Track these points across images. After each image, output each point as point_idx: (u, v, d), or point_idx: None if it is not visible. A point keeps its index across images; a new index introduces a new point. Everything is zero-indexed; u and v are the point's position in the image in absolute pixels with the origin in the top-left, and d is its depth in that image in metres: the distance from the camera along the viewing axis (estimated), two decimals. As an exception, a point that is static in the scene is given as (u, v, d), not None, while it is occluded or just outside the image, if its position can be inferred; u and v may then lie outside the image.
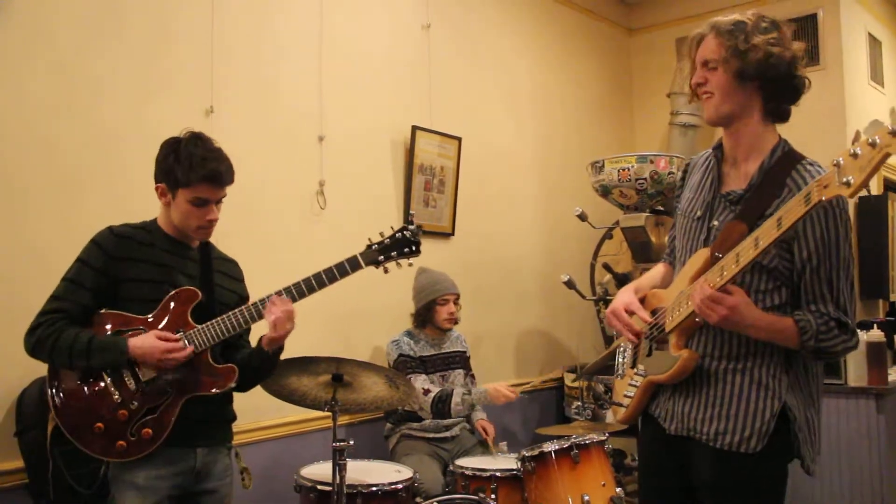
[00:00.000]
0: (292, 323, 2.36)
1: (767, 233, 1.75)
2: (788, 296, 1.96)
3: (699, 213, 2.11)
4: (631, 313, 2.16)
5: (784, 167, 1.96)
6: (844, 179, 1.54)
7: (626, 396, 2.19)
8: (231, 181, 2.38)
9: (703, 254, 1.99)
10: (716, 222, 2.05)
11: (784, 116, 2.03)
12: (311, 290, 2.38)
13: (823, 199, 1.61)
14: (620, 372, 2.28)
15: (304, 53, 3.79)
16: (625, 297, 2.20)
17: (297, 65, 3.76)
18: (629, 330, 2.16)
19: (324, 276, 2.39)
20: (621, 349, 2.31)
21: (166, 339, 2.25)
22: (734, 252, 1.83)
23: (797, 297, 1.95)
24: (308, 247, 3.67)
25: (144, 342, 2.24)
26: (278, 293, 2.36)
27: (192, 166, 2.28)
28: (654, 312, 2.13)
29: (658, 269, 2.36)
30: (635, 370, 2.18)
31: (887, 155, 1.48)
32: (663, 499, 2.15)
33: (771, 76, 1.95)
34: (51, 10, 2.93)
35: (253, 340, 2.54)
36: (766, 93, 1.98)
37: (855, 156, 1.52)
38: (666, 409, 2.09)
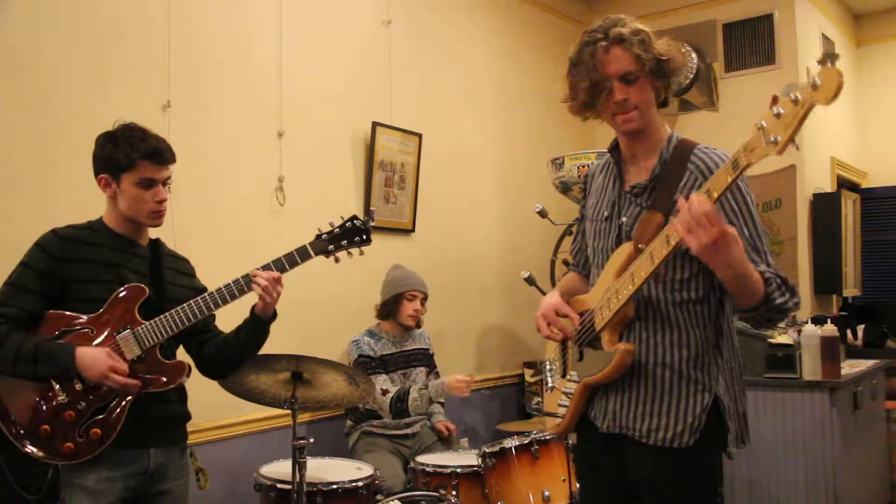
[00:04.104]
0: (280, 287, 2.38)
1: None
2: (706, 287, 1.97)
3: (606, 214, 2.12)
4: (562, 315, 2.15)
5: (682, 154, 2.01)
6: (772, 138, 1.56)
7: (561, 406, 2.16)
8: (173, 160, 2.36)
9: (625, 248, 1.99)
10: (624, 218, 2.06)
11: (667, 103, 2.09)
12: (242, 292, 2.36)
13: (753, 161, 1.62)
14: (550, 385, 2.27)
15: (263, 48, 3.75)
16: (552, 300, 2.19)
17: (257, 59, 3.72)
18: (558, 328, 2.13)
19: (273, 268, 2.37)
20: (547, 366, 2.30)
21: (116, 360, 2.21)
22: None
23: (716, 288, 1.96)
24: (267, 243, 3.62)
25: (93, 354, 2.19)
26: (227, 286, 2.33)
27: (133, 146, 2.27)
28: (580, 315, 2.12)
29: (571, 278, 2.36)
30: (567, 378, 2.16)
31: (811, 107, 1.51)
32: (603, 499, 2.14)
33: (673, 78, 2.02)
34: (2, 2, 2.86)
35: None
36: (662, 90, 2.04)
37: (778, 115, 1.55)
38: (599, 409, 2.09)
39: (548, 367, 2.30)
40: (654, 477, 1.99)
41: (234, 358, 2.51)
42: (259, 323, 2.43)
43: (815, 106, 1.51)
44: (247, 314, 2.46)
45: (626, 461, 2.04)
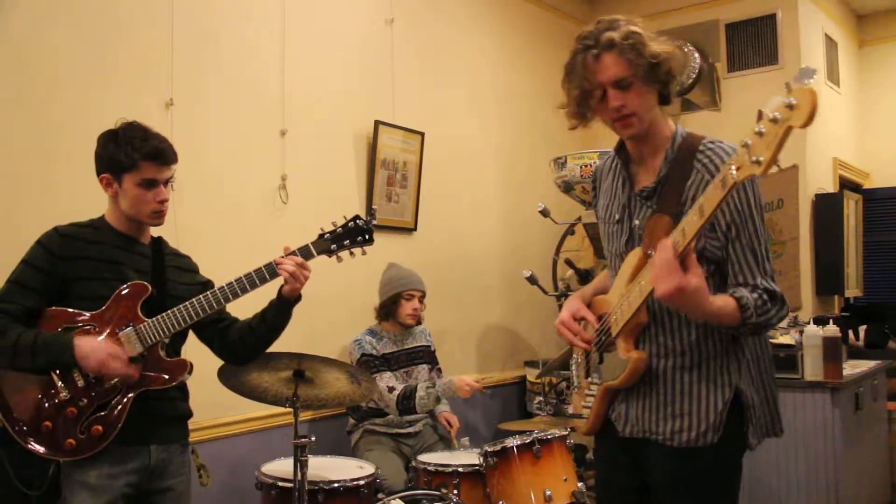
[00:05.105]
0: (307, 271, 2.40)
1: (692, 222, 1.75)
2: (719, 289, 1.94)
3: (617, 217, 2.11)
4: (581, 319, 2.16)
5: (688, 151, 1.98)
6: (754, 158, 1.55)
7: (585, 408, 2.18)
8: (175, 160, 2.36)
9: (636, 253, 1.99)
10: (637, 221, 2.05)
11: (669, 100, 2.04)
12: (263, 281, 2.36)
13: (739, 179, 1.61)
14: (576, 385, 2.28)
15: (266, 46, 3.75)
16: (572, 305, 2.20)
17: (260, 58, 3.72)
18: (580, 337, 2.14)
19: (275, 267, 2.38)
20: (574, 363, 2.30)
21: (114, 349, 2.21)
22: (679, 227, 1.80)
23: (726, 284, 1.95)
24: (270, 242, 3.59)
25: (91, 343, 2.19)
26: (229, 284, 2.34)
27: (135, 147, 2.26)
28: (600, 318, 2.12)
29: (603, 276, 2.34)
30: (590, 380, 2.17)
31: (790, 128, 1.49)
32: (619, 497, 2.15)
33: (672, 77, 1.98)
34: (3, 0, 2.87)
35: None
36: (662, 89, 2.00)
37: (760, 134, 1.53)
38: (619, 413, 2.09)
39: (574, 363, 2.30)
40: (677, 476, 1.99)
41: (260, 342, 2.52)
42: (287, 305, 2.44)
43: (792, 128, 1.49)
44: (245, 309, 2.46)
45: (647, 461, 2.04)
